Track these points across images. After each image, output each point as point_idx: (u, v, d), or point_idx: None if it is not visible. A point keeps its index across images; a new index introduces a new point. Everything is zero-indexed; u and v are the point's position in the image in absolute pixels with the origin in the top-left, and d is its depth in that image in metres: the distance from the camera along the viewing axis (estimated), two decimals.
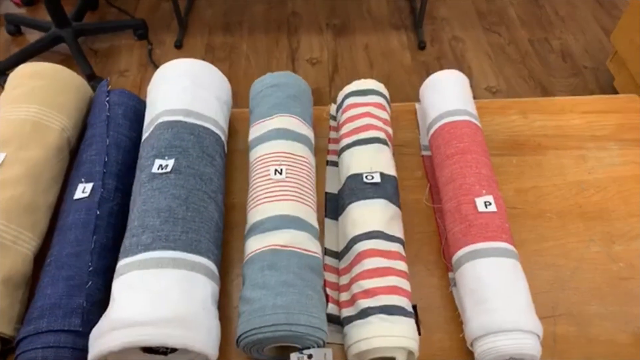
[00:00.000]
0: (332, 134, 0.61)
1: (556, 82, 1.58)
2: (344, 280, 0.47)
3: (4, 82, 1.70)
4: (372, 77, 0.61)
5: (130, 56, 1.64)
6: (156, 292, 0.38)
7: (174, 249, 0.41)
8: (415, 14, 1.76)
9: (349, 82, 0.60)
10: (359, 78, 0.61)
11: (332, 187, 0.56)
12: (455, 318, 0.47)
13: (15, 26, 1.69)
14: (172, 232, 0.42)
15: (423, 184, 0.57)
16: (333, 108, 0.63)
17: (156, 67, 1.59)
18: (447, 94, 0.57)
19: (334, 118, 0.62)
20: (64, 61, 1.60)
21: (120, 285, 0.40)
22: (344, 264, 0.48)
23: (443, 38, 1.73)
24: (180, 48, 1.66)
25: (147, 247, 0.41)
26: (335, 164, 0.58)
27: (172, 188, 0.45)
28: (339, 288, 0.47)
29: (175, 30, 1.71)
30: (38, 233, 0.48)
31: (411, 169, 0.58)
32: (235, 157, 0.59)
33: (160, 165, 0.47)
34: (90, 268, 0.44)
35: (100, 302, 0.44)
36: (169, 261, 0.40)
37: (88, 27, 1.64)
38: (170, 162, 0.47)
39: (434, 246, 0.52)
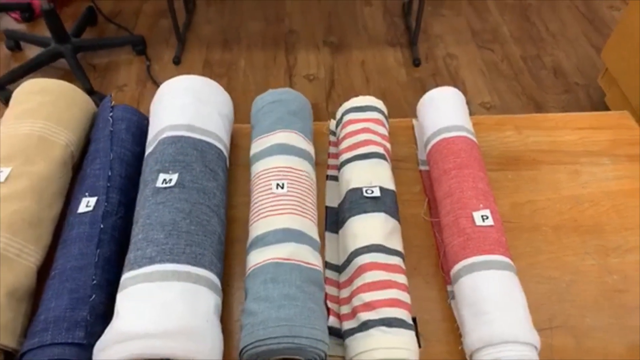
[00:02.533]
0: (332, 149, 0.62)
1: (549, 98, 1.61)
2: (345, 293, 0.47)
3: (3, 96, 1.72)
4: (368, 93, 0.62)
5: (128, 71, 1.66)
6: (161, 305, 0.39)
7: (178, 262, 0.42)
8: (410, 31, 1.80)
9: (345, 98, 0.61)
10: (355, 94, 0.62)
11: (332, 201, 0.57)
12: (454, 330, 0.47)
13: (14, 42, 1.70)
14: (177, 246, 0.43)
15: (421, 199, 0.58)
16: (333, 124, 0.64)
17: (154, 82, 1.61)
18: (443, 110, 0.58)
19: (334, 134, 0.63)
20: (63, 76, 1.62)
21: (125, 298, 0.40)
22: (344, 277, 0.48)
23: (437, 55, 1.76)
24: (178, 64, 1.68)
25: (152, 260, 0.42)
26: (335, 178, 0.59)
27: (176, 202, 0.46)
28: (339, 301, 0.48)
29: (173, 46, 1.73)
30: (42, 246, 0.48)
31: (409, 183, 0.59)
32: (235, 172, 0.60)
33: (164, 180, 0.48)
34: (94, 281, 0.45)
35: (103, 315, 0.45)
36: (173, 274, 0.41)
37: (87, 42, 1.65)
38: (174, 177, 0.48)
39: (433, 259, 0.53)
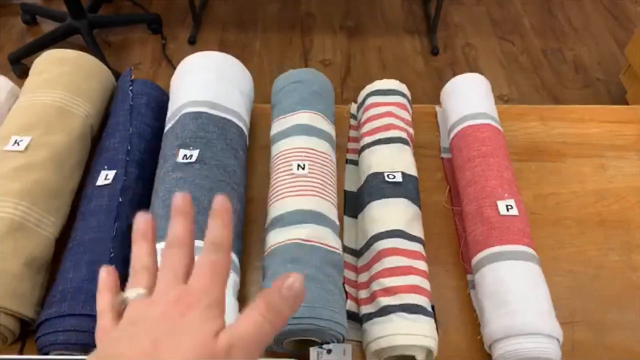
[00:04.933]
0: (352, 133, 0.61)
1: (568, 92, 1.58)
2: (363, 278, 0.47)
3: (18, 70, 1.71)
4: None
5: (143, 50, 1.65)
6: None
7: (199, 237, 0.41)
8: (429, 19, 1.77)
9: (361, 85, 0.59)
10: (371, 80, 0.61)
11: (351, 185, 0.56)
12: (473, 320, 0.47)
13: (31, 16, 1.69)
14: (197, 221, 0.42)
15: (442, 186, 0.57)
16: (354, 107, 0.63)
17: (169, 61, 1.60)
18: (469, 97, 0.57)
19: (354, 117, 0.62)
20: None
21: None
22: (362, 261, 0.48)
23: (456, 44, 1.73)
24: (193, 44, 1.66)
25: None
26: (354, 162, 0.58)
27: (196, 178, 0.45)
28: (357, 285, 0.47)
29: (189, 25, 1.72)
30: (60, 217, 0.48)
31: (431, 170, 0.58)
32: (253, 152, 0.59)
33: (185, 155, 0.47)
34: (112, 254, 0.44)
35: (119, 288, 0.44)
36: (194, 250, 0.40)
37: (103, 19, 1.64)
38: (195, 153, 0.47)
39: (453, 248, 0.52)
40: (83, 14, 1.56)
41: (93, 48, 1.52)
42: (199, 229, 0.42)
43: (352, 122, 0.62)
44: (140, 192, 0.50)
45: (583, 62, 1.68)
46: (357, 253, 0.49)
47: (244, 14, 1.79)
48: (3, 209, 0.43)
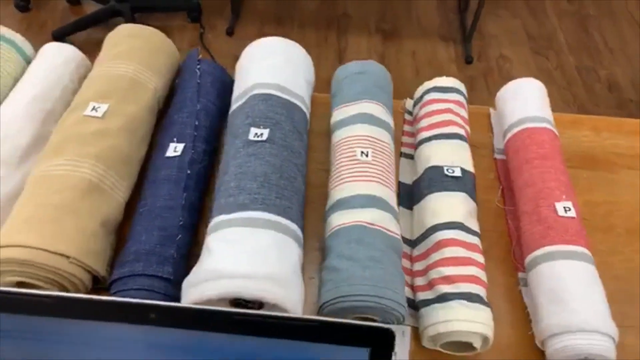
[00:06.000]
0: (407, 127, 0.62)
1: (600, 111, 1.58)
2: (419, 266, 0.48)
3: None
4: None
5: (182, 37, 1.67)
6: (255, 250, 0.40)
7: (269, 211, 0.43)
8: (465, 27, 1.77)
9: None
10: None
11: (405, 177, 0.57)
12: (523, 316, 0.48)
13: None
14: (268, 197, 0.44)
15: (494, 185, 0.58)
16: (409, 103, 0.64)
17: (207, 50, 1.62)
18: (528, 100, 0.58)
19: (409, 113, 0.64)
20: None
21: (218, 239, 0.41)
22: (418, 251, 0.49)
23: (490, 55, 1.73)
24: (231, 35, 1.69)
25: (245, 207, 0.43)
26: (408, 156, 0.59)
27: (267, 156, 0.47)
28: (412, 273, 0.48)
29: (227, 17, 1.74)
30: (130, 184, 0.49)
31: (483, 169, 0.59)
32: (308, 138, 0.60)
33: (256, 134, 0.48)
34: (181, 222, 0.46)
35: (185, 256, 0.46)
36: (265, 222, 0.42)
37: (145, 3, 1.67)
38: (265, 132, 0.48)
39: (503, 246, 0.53)
40: None
41: None
42: (269, 204, 0.43)
43: (407, 117, 0.63)
44: (205, 165, 0.52)
45: (617, 82, 1.67)
46: (412, 243, 0.51)
47: (282, 9, 1.81)
48: (82, 169, 0.45)
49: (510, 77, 1.70)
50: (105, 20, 1.62)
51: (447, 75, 0.61)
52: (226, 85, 0.61)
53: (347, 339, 0.28)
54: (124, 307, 0.28)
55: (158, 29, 0.61)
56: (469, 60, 1.67)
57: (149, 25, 0.61)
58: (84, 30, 1.61)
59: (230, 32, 1.69)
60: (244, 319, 0.28)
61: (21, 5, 1.68)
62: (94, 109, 0.50)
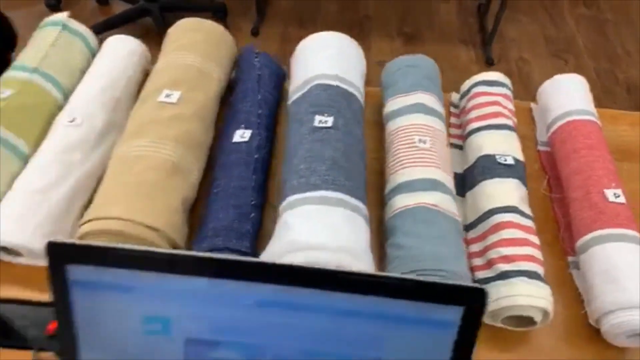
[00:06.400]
0: (453, 120, 0.65)
1: None
2: (475, 248, 0.50)
3: None
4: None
5: None
6: (330, 225, 0.43)
7: (340, 191, 0.45)
8: (485, 31, 1.80)
9: None
10: None
11: (454, 167, 0.60)
12: (574, 297, 0.50)
13: None
14: (337, 178, 0.46)
15: (539, 175, 0.60)
16: (454, 96, 0.67)
17: None
18: (572, 94, 0.61)
19: (454, 106, 0.66)
20: (146, 34, 1.67)
21: (295, 216, 0.44)
22: (474, 234, 0.51)
23: (510, 58, 1.76)
24: (256, 35, 1.72)
25: (317, 187, 0.45)
26: (455, 146, 0.62)
27: (333, 141, 0.49)
28: (469, 255, 0.51)
29: (252, 18, 1.78)
30: (202, 166, 0.52)
31: (528, 160, 0.61)
32: None
33: (320, 121, 0.51)
34: (253, 202, 0.49)
35: (256, 233, 0.49)
36: (336, 201, 0.45)
37: (174, 3, 1.71)
38: (330, 119, 0.51)
39: (550, 232, 0.55)
40: None
41: (163, 31, 1.58)
42: (338, 184, 0.46)
43: (453, 110, 0.66)
44: (268, 151, 0.55)
45: (635, 84, 1.69)
46: (466, 227, 0.53)
47: (304, 11, 1.85)
48: (164, 151, 0.48)
49: (531, 80, 1.73)
50: (134, 19, 1.66)
51: (470, 76, 0.64)
52: (280, 77, 0.64)
53: (442, 298, 0.31)
54: (240, 264, 0.31)
55: None
56: (489, 62, 1.69)
57: (173, 24, 0.65)
58: (113, 30, 1.65)
59: (255, 32, 1.72)
60: (347, 277, 0.30)
61: (52, 4, 1.72)
62: (167, 95, 0.53)
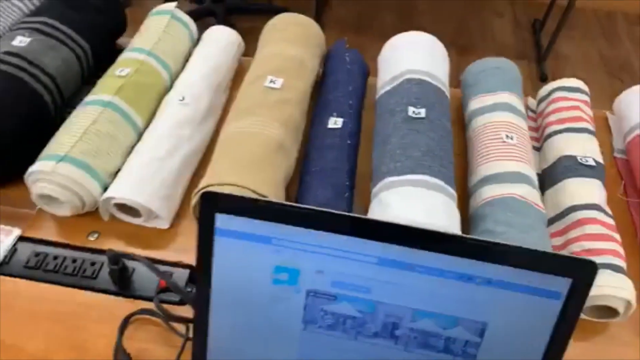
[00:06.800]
0: (530, 123, 0.67)
1: None
2: (556, 242, 0.52)
3: None
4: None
5: None
6: (430, 205, 0.46)
7: (436, 177, 0.48)
8: (539, 47, 1.81)
9: None
10: None
11: None
12: None
13: None
14: (433, 165, 0.50)
15: (615, 180, 0.62)
16: (530, 101, 0.69)
17: None
18: None
19: (532, 110, 0.69)
20: None
21: (394, 195, 0.47)
22: (555, 228, 0.53)
23: (564, 75, 1.74)
24: None
25: (413, 171, 0.49)
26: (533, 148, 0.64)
27: (426, 131, 0.53)
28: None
29: None
30: (299, 148, 0.56)
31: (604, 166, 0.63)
32: None
33: (414, 112, 0.55)
34: (347, 183, 0.52)
35: (349, 212, 0.52)
36: (433, 185, 0.48)
37: (238, 5, 1.79)
38: (422, 111, 0.55)
39: (626, 237, 0.57)
40: None
41: None
42: (434, 171, 0.49)
43: (529, 113, 0.68)
44: (358, 138, 0.59)
45: None
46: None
47: (362, 19, 1.90)
48: (272, 130, 0.52)
49: None
50: (199, 19, 1.73)
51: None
52: (365, 73, 0.68)
53: (553, 268, 0.33)
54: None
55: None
56: (543, 78, 1.70)
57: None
58: None
59: None
60: (463, 242, 0.34)
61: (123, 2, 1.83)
62: (271, 81, 0.57)
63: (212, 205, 0.35)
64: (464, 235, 0.33)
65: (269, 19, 0.70)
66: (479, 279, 0.35)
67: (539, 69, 1.73)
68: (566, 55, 1.84)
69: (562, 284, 0.34)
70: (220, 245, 0.36)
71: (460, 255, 0.34)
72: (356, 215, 0.34)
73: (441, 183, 0.48)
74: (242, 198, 0.35)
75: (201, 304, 0.38)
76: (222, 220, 0.35)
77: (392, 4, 1.99)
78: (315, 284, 0.37)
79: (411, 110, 0.55)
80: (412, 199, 0.46)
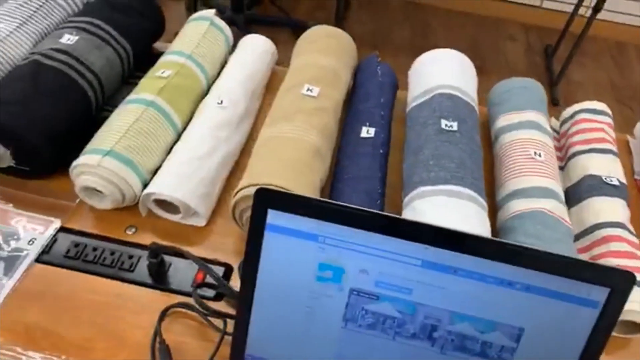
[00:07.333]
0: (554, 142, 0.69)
1: None
2: (581, 258, 0.54)
3: None
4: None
5: (285, 51, 1.80)
6: (463, 215, 0.47)
7: (469, 188, 0.50)
8: (551, 72, 1.84)
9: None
10: None
11: None
12: None
13: (193, 3, 1.90)
14: (465, 177, 0.51)
15: (636, 202, 0.63)
16: (553, 122, 0.71)
17: None
18: None
19: (555, 131, 0.71)
20: None
21: (426, 204, 0.49)
22: (581, 244, 0.55)
23: (576, 100, 1.77)
24: None
25: (447, 181, 0.50)
26: None
27: (459, 143, 0.54)
28: None
29: None
30: (332, 155, 0.58)
31: None
32: None
33: (446, 124, 0.56)
34: (379, 190, 0.54)
35: None
36: (467, 196, 0.49)
37: (258, 17, 1.82)
38: (454, 124, 0.56)
39: None
40: (242, 9, 1.74)
41: None
42: (467, 182, 0.51)
43: (554, 134, 0.70)
44: (388, 148, 0.60)
45: None
46: None
47: (377, 35, 1.93)
48: (310, 136, 0.54)
49: None
50: None
51: None
52: (395, 86, 0.70)
53: (591, 277, 0.35)
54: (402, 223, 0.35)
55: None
56: (555, 103, 1.72)
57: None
58: None
59: None
60: (504, 248, 0.35)
61: None
62: (308, 89, 0.59)
63: (265, 201, 0.36)
64: (507, 241, 0.35)
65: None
66: (519, 284, 0.36)
67: (551, 94, 1.76)
68: (578, 82, 1.87)
69: (600, 293, 0.35)
70: (269, 241, 0.37)
71: (502, 260, 0.35)
72: (402, 217, 0.35)
73: (474, 194, 0.50)
74: (294, 196, 0.37)
75: (246, 297, 0.39)
76: (273, 216, 0.37)
77: (406, 21, 2.03)
78: (359, 283, 0.38)
79: (443, 122, 0.57)
80: (446, 208, 0.48)
